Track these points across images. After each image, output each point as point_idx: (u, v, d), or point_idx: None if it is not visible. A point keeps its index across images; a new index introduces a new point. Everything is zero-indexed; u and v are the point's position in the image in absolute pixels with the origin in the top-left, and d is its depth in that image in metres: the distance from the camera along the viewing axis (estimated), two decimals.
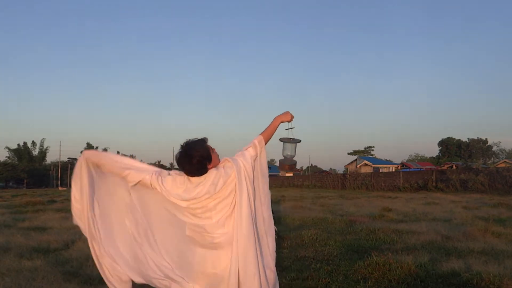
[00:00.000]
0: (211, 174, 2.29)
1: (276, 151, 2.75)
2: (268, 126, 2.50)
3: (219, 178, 2.27)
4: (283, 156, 2.72)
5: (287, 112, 2.54)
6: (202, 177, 2.29)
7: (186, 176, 2.32)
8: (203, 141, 2.35)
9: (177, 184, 2.30)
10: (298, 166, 2.85)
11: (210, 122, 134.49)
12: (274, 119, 2.51)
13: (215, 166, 2.35)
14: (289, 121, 2.55)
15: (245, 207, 2.26)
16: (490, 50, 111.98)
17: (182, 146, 2.32)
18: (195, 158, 2.25)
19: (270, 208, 2.50)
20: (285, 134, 2.66)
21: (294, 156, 2.71)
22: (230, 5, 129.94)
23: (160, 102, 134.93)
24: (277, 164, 2.77)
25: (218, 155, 2.40)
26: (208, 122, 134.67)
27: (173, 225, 2.36)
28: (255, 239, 2.25)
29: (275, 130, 2.51)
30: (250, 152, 2.39)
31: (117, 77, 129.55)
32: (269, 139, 2.50)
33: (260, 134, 2.48)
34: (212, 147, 2.38)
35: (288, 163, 2.69)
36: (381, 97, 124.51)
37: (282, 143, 2.70)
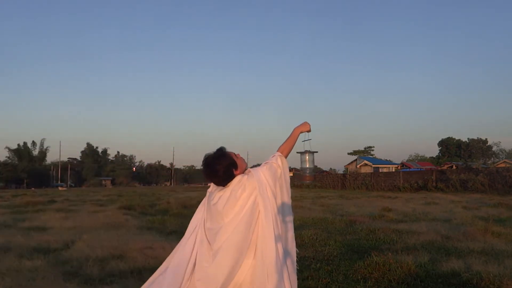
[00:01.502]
0: (235, 181, 2.30)
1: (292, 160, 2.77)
2: (289, 138, 2.49)
3: (239, 187, 2.25)
4: (301, 168, 2.75)
5: (305, 123, 2.54)
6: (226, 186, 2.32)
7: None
8: (222, 151, 2.35)
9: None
10: (298, 166, 2.89)
11: (211, 122, 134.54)
12: (293, 130, 2.52)
13: (242, 170, 2.36)
14: (308, 131, 2.56)
15: (267, 219, 2.22)
16: (490, 50, 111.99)
17: (204, 163, 2.33)
18: (220, 171, 2.27)
19: (292, 226, 2.44)
20: (302, 146, 2.69)
21: (313, 168, 2.74)
22: (233, 4, 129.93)
23: (160, 102, 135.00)
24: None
25: (244, 159, 2.40)
26: (208, 122, 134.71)
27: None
28: (279, 253, 2.20)
29: (296, 141, 2.51)
30: (275, 167, 2.35)
31: (117, 77, 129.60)
32: (291, 150, 2.49)
33: (281, 146, 2.46)
34: (236, 153, 2.38)
35: (308, 173, 2.74)
36: (381, 97, 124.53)
37: (299, 155, 2.73)
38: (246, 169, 2.39)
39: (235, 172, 2.31)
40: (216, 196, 2.30)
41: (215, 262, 2.19)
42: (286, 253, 2.32)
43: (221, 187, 2.33)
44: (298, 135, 2.53)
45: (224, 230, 2.21)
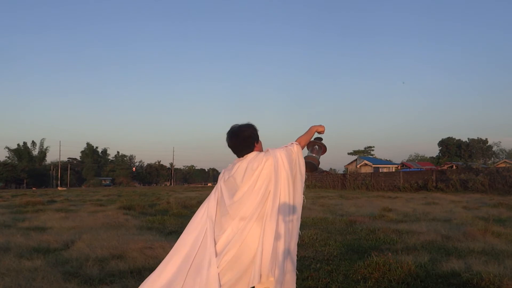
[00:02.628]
0: (251, 154, 2.43)
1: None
2: (306, 132, 2.64)
3: (256, 161, 2.37)
4: (307, 155, 2.83)
5: (322, 125, 2.71)
6: (243, 157, 2.45)
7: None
8: (250, 124, 2.52)
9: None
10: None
11: (211, 122, 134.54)
12: (310, 127, 2.67)
13: (260, 149, 2.51)
14: (321, 132, 2.70)
15: (279, 196, 2.34)
16: (490, 50, 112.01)
17: (230, 129, 2.48)
18: (244, 132, 2.44)
19: (300, 209, 2.51)
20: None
21: (318, 157, 2.80)
22: (233, 7, 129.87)
23: (160, 102, 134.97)
24: None
25: (262, 147, 2.55)
26: (208, 122, 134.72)
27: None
28: (281, 229, 2.31)
29: (311, 137, 2.67)
30: (291, 151, 2.46)
31: (117, 77, 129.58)
32: (306, 144, 2.65)
33: (298, 138, 2.60)
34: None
35: (315, 156, 2.79)
36: (381, 97, 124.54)
37: (307, 151, 2.80)
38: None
39: (255, 144, 2.46)
40: (235, 167, 2.43)
41: (239, 236, 2.28)
42: (289, 233, 2.39)
43: (238, 159, 2.46)
44: (314, 132, 2.67)
45: (241, 202, 2.32)
